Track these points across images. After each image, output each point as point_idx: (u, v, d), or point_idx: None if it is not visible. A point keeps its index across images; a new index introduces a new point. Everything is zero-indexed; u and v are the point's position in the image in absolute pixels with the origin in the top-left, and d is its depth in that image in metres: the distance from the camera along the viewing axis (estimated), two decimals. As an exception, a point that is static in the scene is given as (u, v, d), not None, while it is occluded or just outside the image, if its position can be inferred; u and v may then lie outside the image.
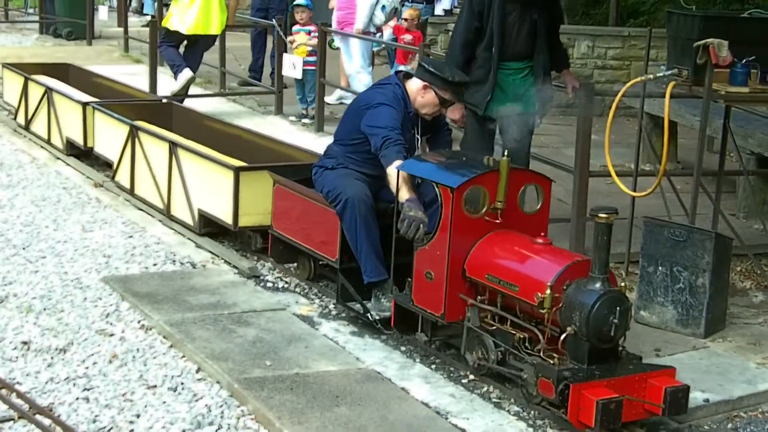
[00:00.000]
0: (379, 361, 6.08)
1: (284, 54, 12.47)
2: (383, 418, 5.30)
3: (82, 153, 10.38)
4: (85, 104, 10.19)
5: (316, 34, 12.01)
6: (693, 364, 6.14)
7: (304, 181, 7.13)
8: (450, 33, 14.02)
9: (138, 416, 5.28)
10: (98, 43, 19.14)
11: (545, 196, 6.06)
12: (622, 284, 5.39)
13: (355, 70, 12.80)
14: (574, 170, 7.48)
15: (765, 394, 5.93)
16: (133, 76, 13.11)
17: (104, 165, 9.99)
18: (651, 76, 7.10)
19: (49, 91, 10.98)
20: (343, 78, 13.19)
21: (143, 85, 12.30)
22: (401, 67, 12.10)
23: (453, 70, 6.73)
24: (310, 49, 12.14)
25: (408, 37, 12.38)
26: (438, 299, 5.84)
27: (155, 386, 5.62)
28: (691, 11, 7.46)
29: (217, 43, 13.24)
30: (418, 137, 6.73)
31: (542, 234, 5.80)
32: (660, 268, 6.67)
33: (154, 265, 7.51)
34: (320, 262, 7.12)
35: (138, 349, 6.08)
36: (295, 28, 12.51)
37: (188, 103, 11.51)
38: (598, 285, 5.24)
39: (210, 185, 7.98)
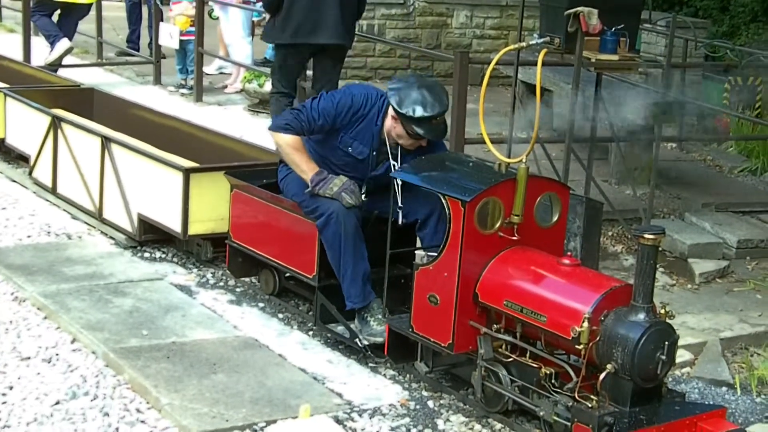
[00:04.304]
0: (257, 328, 6.10)
1: (161, 23, 12.32)
2: (260, 384, 5.33)
3: None
4: None
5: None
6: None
7: (266, 182, 6.35)
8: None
9: (11, 388, 5.22)
10: (-32, 12, 18.58)
11: (563, 207, 5.36)
12: (662, 311, 4.73)
13: (234, 39, 12.70)
14: (450, 138, 7.57)
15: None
16: (7, 46, 12.75)
17: (18, 158, 9.00)
18: (524, 44, 7.19)
19: None
20: (222, 47, 13.08)
21: (18, 55, 12.00)
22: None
23: (421, 99, 5.55)
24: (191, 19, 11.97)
25: (288, 6, 12.30)
26: (445, 327, 5.09)
27: (29, 358, 5.56)
28: (563, -20, 7.58)
29: (93, 12, 12.99)
30: (395, 163, 5.73)
31: (568, 253, 5.22)
32: (533, 232, 6.79)
33: (29, 236, 7.38)
34: (286, 275, 6.34)
35: (11, 321, 5.99)
36: (177, -4, 12.33)
37: (63, 72, 11.28)
38: (642, 316, 4.60)
39: (153, 187, 7.08)
